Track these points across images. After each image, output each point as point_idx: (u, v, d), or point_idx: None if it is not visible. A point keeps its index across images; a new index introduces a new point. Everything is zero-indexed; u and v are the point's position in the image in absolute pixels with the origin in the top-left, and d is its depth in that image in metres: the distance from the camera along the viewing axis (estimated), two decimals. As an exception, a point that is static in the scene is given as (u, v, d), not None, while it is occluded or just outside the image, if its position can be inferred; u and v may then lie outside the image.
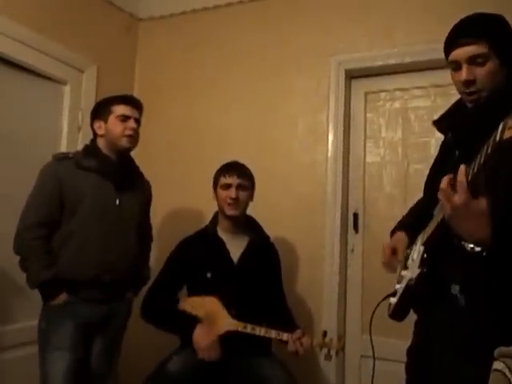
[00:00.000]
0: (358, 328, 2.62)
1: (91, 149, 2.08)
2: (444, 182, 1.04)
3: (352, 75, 2.73)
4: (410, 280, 1.32)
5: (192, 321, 2.03)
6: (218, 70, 3.01)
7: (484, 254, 1.09)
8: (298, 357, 1.99)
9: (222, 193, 2.17)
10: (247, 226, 2.26)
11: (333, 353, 2.03)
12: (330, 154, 2.65)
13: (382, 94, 2.70)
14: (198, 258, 2.16)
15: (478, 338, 1.16)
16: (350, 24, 2.67)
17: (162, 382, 1.97)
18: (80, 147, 2.61)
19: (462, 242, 1.13)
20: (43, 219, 1.93)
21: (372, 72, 2.67)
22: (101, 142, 2.07)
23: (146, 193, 2.27)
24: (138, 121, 2.10)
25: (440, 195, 1.06)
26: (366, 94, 2.73)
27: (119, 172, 2.08)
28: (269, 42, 2.88)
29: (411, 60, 2.49)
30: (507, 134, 0.87)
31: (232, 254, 2.17)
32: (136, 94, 3.20)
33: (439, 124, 1.42)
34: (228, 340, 2.00)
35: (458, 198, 1.00)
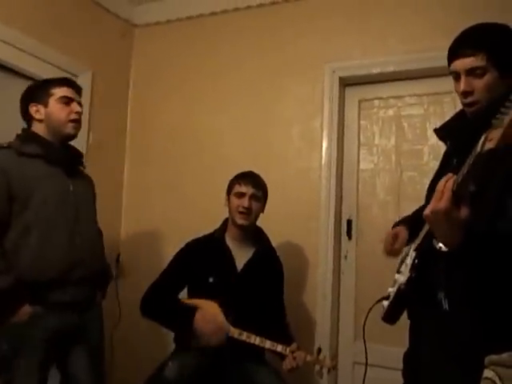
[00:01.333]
0: (350, 334, 2.62)
1: (29, 135, 1.84)
2: (440, 184, 1.07)
3: (346, 83, 2.74)
4: (402, 284, 1.34)
5: (191, 308, 2.02)
6: (214, 77, 3.01)
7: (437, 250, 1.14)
8: (291, 372, 1.98)
9: (235, 201, 2.16)
10: (255, 236, 2.25)
11: (324, 371, 2.02)
12: (323, 161, 2.66)
13: (376, 102, 2.72)
14: (203, 261, 2.15)
15: (463, 344, 1.17)
16: (345, 32, 2.70)
17: None
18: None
19: (434, 239, 1.17)
20: None
21: (366, 80, 2.69)
22: (39, 128, 1.84)
23: (92, 185, 2.08)
24: (80, 104, 1.91)
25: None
26: (360, 101, 2.75)
27: (67, 158, 1.88)
28: (264, 49, 2.89)
29: (405, 68, 2.51)
30: (487, 146, 0.90)
31: (237, 262, 2.16)
32: (131, 99, 3.22)
33: (440, 132, 1.44)
34: (225, 346, 2.00)
35: (441, 203, 1.04)
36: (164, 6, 3.16)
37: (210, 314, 2.00)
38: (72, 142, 1.98)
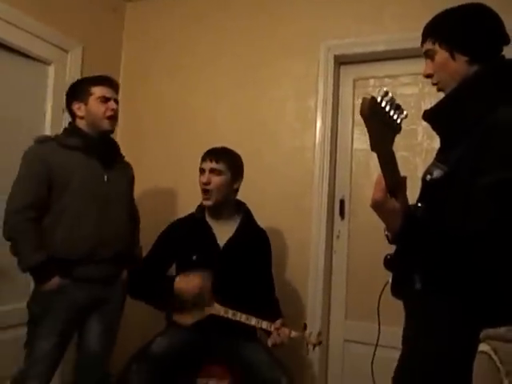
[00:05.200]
0: (341, 313, 2.65)
1: (73, 129, 2.07)
2: (378, 176, 1.20)
3: (341, 61, 2.71)
4: (388, 254, 1.37)
5: (173, 276, 2.09)
6: (207, 54, 2.97)
7: (388, 239, 1.29)
8: (275, 347, 2.00)
9: (199, 179, 2.16)
10: (237, 212, 2.24)
11: (310, 347, 2.03)
12: (317, 140, 2.65)
13: (371, 81, 2.69)
14: (186, 239, 2.16)
15: (436, 323, 1.23)
16: (340, 10, 2.65)
17: (146, 363, 1.97)
18: (64, 128, 2.58)
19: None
20: (32, 201, 1.91)
21: (361, 58, 2.66)
22: (81, 123, 2.06)
23: (130, 174, 2.27)
24: (116, 101, 2.11)
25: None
26: (355, 80, 2.73)
27: (104, 149, 2.09)
28: (259, 27, 2.85)
29: (401, 47, 2.48)
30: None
31: (218, 239, 2.16)
32: (122, 76, 3.17)
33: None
34: (214, 321, 2.02)
35: (375, 194, 1.18)
36: (156, -20, 3.09)
37: (189, 276, 2.05)
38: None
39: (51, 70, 2.68)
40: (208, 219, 2.20)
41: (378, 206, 1.19)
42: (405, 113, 1.00)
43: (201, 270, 2.07)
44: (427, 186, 1.31)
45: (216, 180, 2.11)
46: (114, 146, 2.20)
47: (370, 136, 1.01)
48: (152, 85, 3.09)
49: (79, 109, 2.06)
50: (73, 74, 2.74)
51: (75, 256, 1.96)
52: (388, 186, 1.16)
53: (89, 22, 2.91)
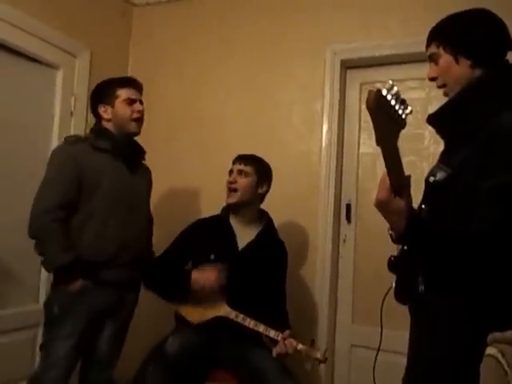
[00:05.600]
0: (348, 317, 2.64)
1: (101, 131, 2.06)
2: (381, 178, 1.20)
3: (348, 65, 2.72)
4: (392, 256, 1.38)
5: (189, 270, 2.09)
6: (214, 58, 2.98)
7: (392, 239, 1.29)
8: (279, 356, 1.98)
9: (226, 179, 2.21)
10: (260, 219, 2.27)
11: (316, 362, 1.98)
12: (324, 144, 2.65)
13: (377, 85, 2.68)
14: (207, 239, 2.18)
15: (440, 321, 1.24)
16: (347, 14, 2.66)
17: (162, 363, 1.97)
18: (73, 133, 2.61)
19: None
20: (62, 201, 1.89)
21: (368, 62, 2.66)
22: (108, 126, 2.06)
23: (149, 178, 2.28)
24: (142, 103, 2.11)
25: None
26: (362, 84, 2.73)
27: (131, 153, 2.10)
28: (265, 31, 2.86)
29: (407, 51, 2.48)
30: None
31: (239, 242, 2.18)
32: (130, 80, 3.18)
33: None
34: (223, 324, 2.02)
35: (379, 194, 1.18)
36: (164, -15, 3.11)
37: (206, 269, 2.06)
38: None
39: (59, 74, 2.71)
40: (231, 221, 2.22)
41: (382, 206, 1.19)
42: (409, 108, 1.00)
43: (217, 265, 2.07)
44: (430, 187, 1.31)
45: (242, 181, 2.18)
46: (140, 150, 2.19)
47: (375, 130, 1.01)
48: (159, 89, 3.10)
49: (105, 112, 2.05)
50: (81, 79, 2.77)
51: (101, 259, 1.95)
52: (393, 185, 1.17)
53: (97, 26, 2.93)
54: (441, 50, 1.35)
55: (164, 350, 2.02)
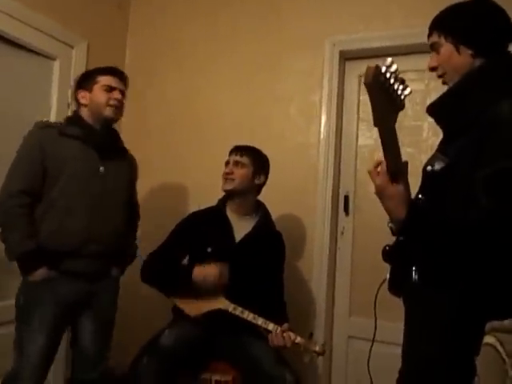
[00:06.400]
0: (345, 309, 2.65)
1: (74, 118, 2.03)
2: (373, 164, 1.22)
3: (346, 57, 2.70)
4: (387, 245, 1.38)
5: (190, 265, 2.08)
6: (212, 49, 2.96)
7: (392, 231, 1.29)
8: (276, 348, 1.99)
9: (223, 170, 2.22)
10: (256, 210, 2.27)
11: (314, 355, 1.99)
12: (322, 136, 2.64)
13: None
14: (203, 231, 2.18)
15: (435, 312, 1.23)
16: (346, 5, 2.64)
17: (156, 356, 1.97)
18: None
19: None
20: (27, 187, 1.86)
21: (367, 54, 2.64)
22: (84, 112, 2.02)
23: (132, 168, 2.22)
24: (123, 92, 2.06)
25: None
26: (360, 76, 2.71)
27: (103, 140, 2.02)
28: (264, 23, 2.84)
29: (406, 43, 2.47)
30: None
31: (236, 234, 2.18)
32: (127, 71, 3.12)
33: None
34: (221, 316, 2.02)
35: (378, 179, 1.20)
36: (161, -24, 3.09)
37: (207, 266, 2.05)
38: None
39: (56, 65, 2.69)
40: (228, 213, 2.22)
41: (379, 191, 1.21)
42: (408, 89, 0.99)
43: (217, 262, 2.06)
44: (428, 177, 1.31)
45: (238, 171, 2.19)
46: (115, 137, 2.13)
47: (372, 109, 1.00)
48: (156, 81, 3.09)
49: (84, 97, 2.01)
50: (78, 70, 2.73)
51: (62, 249, 1.90)
52: (389, 170, 1.16)
53: (94, 17, 2.91)
54: (442, 40, 1.35)
55: (159, 342, 2.02)
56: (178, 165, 2.97)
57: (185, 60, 3.04)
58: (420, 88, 2.56)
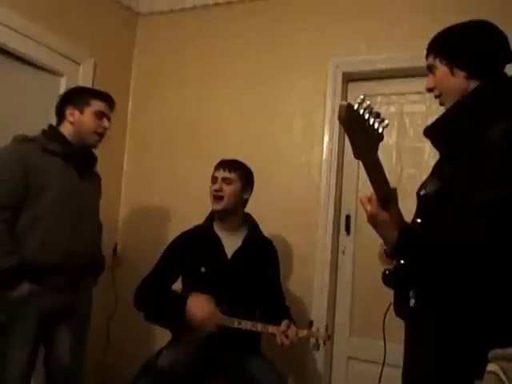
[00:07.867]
0: (346, 330, 2.63)
1: (54, 133, 2.03)
2: (364, 196, 1.24)
3: (349, 78, 2.73)
4: (386, 269, 1.37)
5: (183, 296, 2.06)
6: (216, 67, 3.00)
7: (386, 254, 1.31)
8: (283, 347, 1.98)
9: (211, 187, 2.20)
10: (244, 223, 2.26)
11: (320, 342, 2.03)
12: (324, 156, 2.66)
13: (379, 98, 2.71)
14: (193, 252, 2.17)
15: (434, 339, 1.22)
16: (350, 27, 2.68)
17: (154, 377, 1.96)
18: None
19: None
20: (9, 202, 1.85)
21: (369, 75, 2.68)
22: (67, 128, 2.03)
23: (99, 185, 2.26)
24: (109, 119, 2.11)
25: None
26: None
27: (82, 159, 2.07)
28: (268, 41, 2.88)
29: (409, 65, 2.49)
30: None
31: (227, 250, 2.17)
32: (133, 88, 3.21)
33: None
34: (219, 336, 2.01)
35: (369, 207, 1.22)
36: (168, -5, 3.14)
37: (202, 299, 2.03)
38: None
39: (63, 81, 2.72)
40: (216, 230, 2.22)
41: (371, 219, 1.22)
42: (386, 121, 1.00)
43: (209, 291, 2.05)
44: (422, 200, 1.32)
45: (227, 188, 2.17)
46: (92, 157, 2.16)
47: (351, 144, 1.02)
48: (161, 98, 3.12)
49: (72, 114, 2.02)
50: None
51: (47, 264, 1.90)
52: (379, 197, 1.18)
53: (101, 34, 2.96)
54: (437, 62, 1.36)
55: (155, 364, 2.01)
56: (179, 179, 2.97)
57: (189, 78, 3.07)
58: (421, 110, 2.58)
